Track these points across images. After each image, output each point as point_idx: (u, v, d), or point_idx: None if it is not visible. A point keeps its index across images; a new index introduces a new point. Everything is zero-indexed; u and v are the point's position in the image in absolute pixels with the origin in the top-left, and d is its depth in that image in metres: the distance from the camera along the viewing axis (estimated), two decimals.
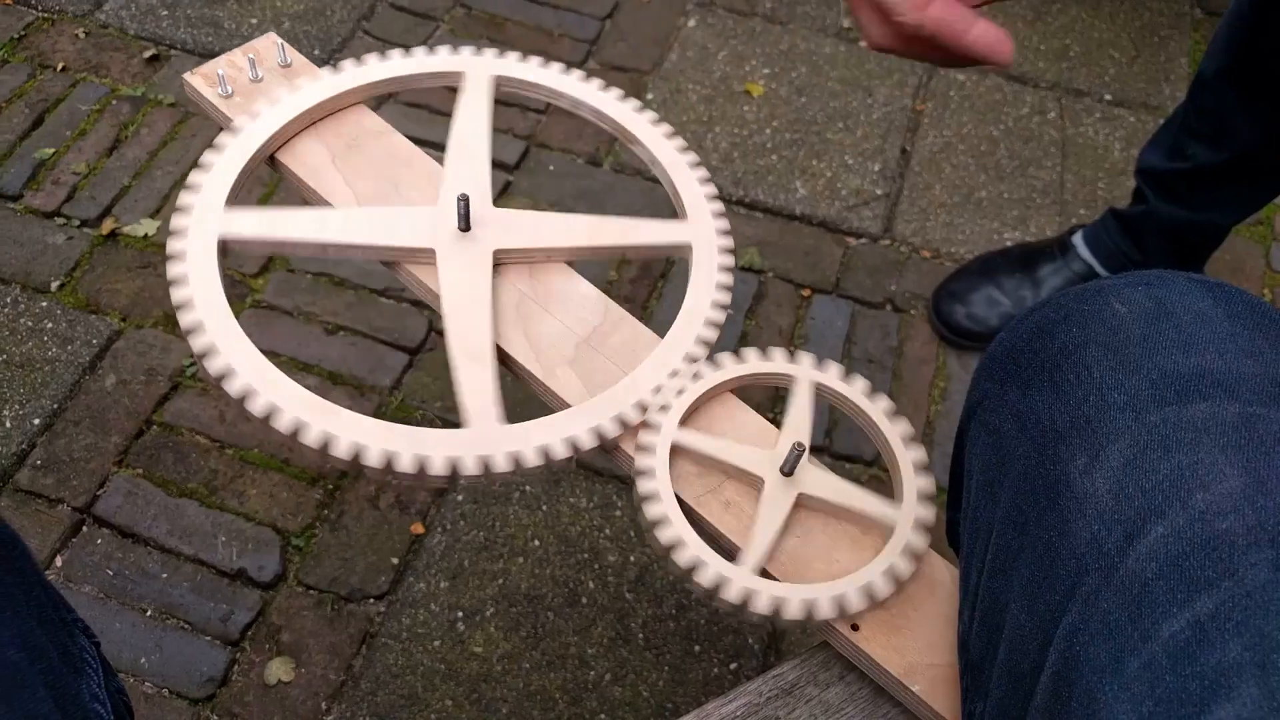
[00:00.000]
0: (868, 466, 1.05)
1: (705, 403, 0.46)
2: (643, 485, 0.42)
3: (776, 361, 0.47)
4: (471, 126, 0.54)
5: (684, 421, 0.45)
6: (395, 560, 1.01)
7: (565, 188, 1.32)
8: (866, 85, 1.48)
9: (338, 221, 0.50)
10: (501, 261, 0.50)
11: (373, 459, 0.41)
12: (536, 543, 1.03)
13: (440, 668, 0.95)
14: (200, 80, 0.56)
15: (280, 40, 0.58)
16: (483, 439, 0.42)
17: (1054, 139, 1.44)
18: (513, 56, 0.59)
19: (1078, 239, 1.19)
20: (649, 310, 1.21)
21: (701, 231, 0.52)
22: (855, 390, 0.48)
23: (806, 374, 0.48)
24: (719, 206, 0.54)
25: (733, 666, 0.97)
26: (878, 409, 0.47)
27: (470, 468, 0.41)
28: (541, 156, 1.33)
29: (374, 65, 0.56)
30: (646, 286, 1.24)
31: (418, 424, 1.12)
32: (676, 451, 0.45)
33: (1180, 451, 0.33)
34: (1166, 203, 1.07)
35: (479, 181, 0.51)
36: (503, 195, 1.29)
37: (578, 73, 0.59)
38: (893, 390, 1.16)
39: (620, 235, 0.51)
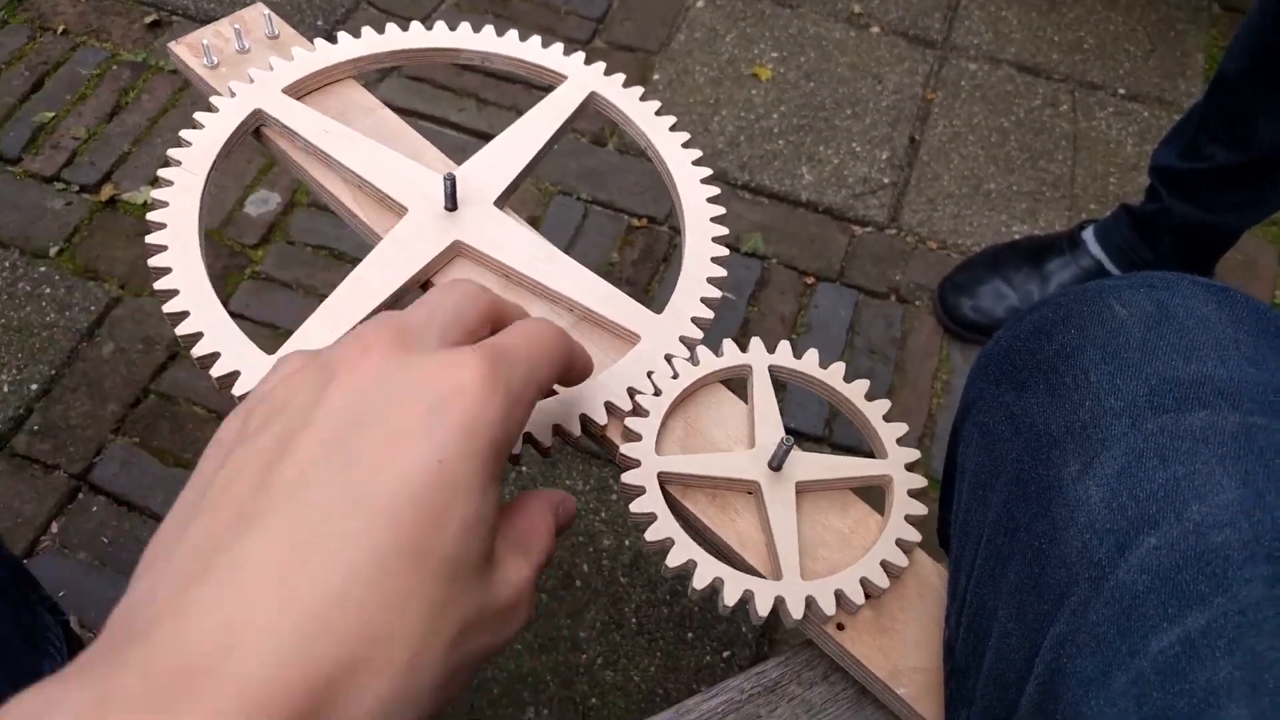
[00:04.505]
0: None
1: (690, 395, 0.46)
2: (651, 534, 0.41)
3: (729, 354, 0.46)
4: (539, 124, 0.53)
5: (668, 415, 0.44)
6: None
7: (568, 167, 1.30)
8: (876, 72, 1.47)
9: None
10: (461, 253, 0.49)
11: None
12: None
13: None
14: (185, 50, 0.55)
15: (268, 11, 0.56)
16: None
17: (1066, 132, 1.42)
18: (616, 78, 0.58)
19: (1088, 234, 1.17)
20: (650, 293, 1.20)
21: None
22: (809, 365, 0.47)
23: (760, 360, 0.47)
24: (716, 200, 0.53)
25: (725, 655, 0.97)
26: (833, 375, 0.47)
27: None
28: None
29: (367, 39, 0.55)
30: (649, 269, 1.23)
31: None
32: (664, 444, 0.44)
33: (1177, 461, 0.32)
34: (1181, 202, 1.05)
35: (501, 175, 0.51)
36: None
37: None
38: (895, 382, 1.16)
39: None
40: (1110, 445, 0.34)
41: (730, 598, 0.40)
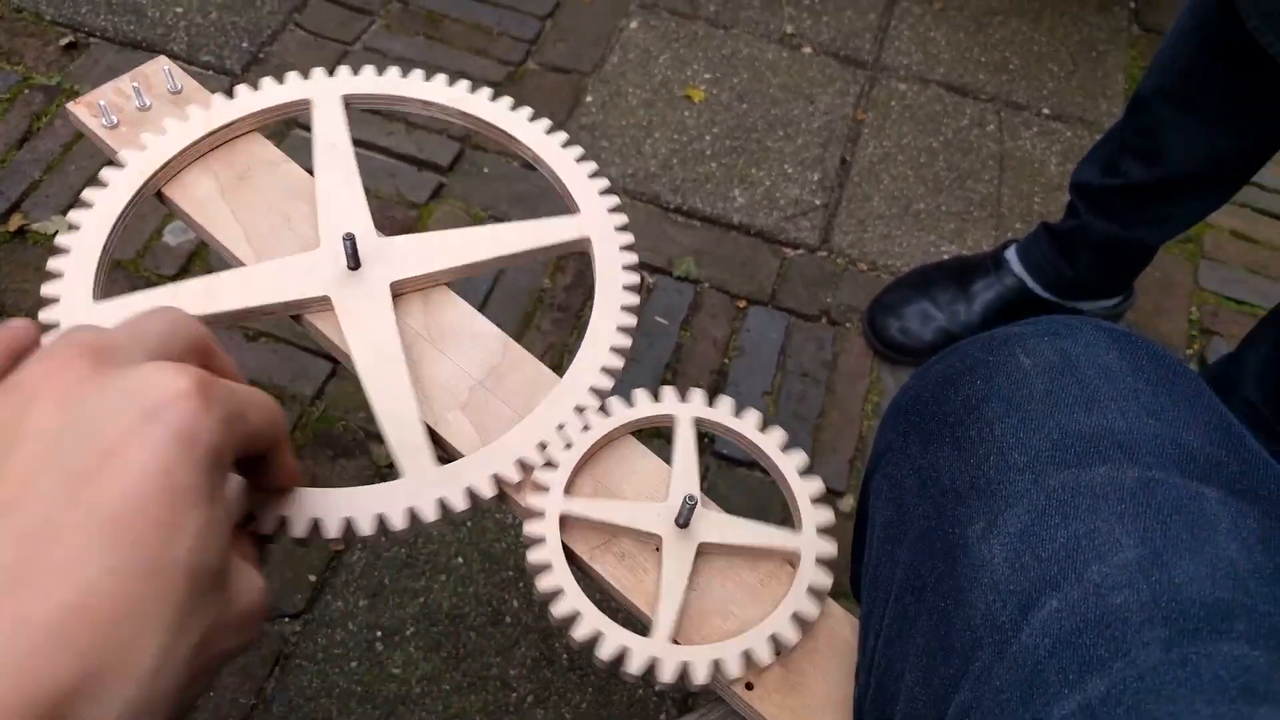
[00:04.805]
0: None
1: (599, 450, 0.44)
2: (533, 555, 0.40)
3: (653, 404, 0.45)
4: (333, 157, 0.51)
5: (577, 470, 0.43)
6: (313, 577, 0.97)
7: (500, 191, 1.29)
8: (808, 93, 1.47)
9: (225, 287, 0.46)
10: (401, 292, 0.47)
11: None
12: (460, 560, 1.01)
13: (357, 690, 0.92)
14: (84, 110, 0.53)
15: (168, 65, 0.54)
16: (373, 495, 0.40)
17: (992, 152, 1.44)
18: (367, 72, 0.55)
19: (1010, 253, 1.19)
20: (583, 318, 1.19)
21: (597, 223, 0.50)
22: (748, 425, 0.46)
23: (687, 412, 0.46)
24: (614, 200, 0.52)
25: (656, 689, 0.96)
26: (770, 442, 0.46)
27: (365, 528, 0.39)
28: (476, 159, 1.30)
29: (242, 99, 0.53)
30: (581, 295, 1.21)
31: (339, 435, 1.07)
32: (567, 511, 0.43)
33: (1078, 519, 0.32)
34: (1098, 218, 1.07)
35: (357, 213, 0.49)
36: (435, 198, 1.26)
37: (441, 78, 0.56)
38: (825, 404, 1.16)
39: (517, 240, 0.49)
40: (1014, 502, 0.33)
41: (606, 652, 0.39)
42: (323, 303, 0.46)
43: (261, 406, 0.32)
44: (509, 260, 0.49)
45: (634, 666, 0.38)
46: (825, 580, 0.42)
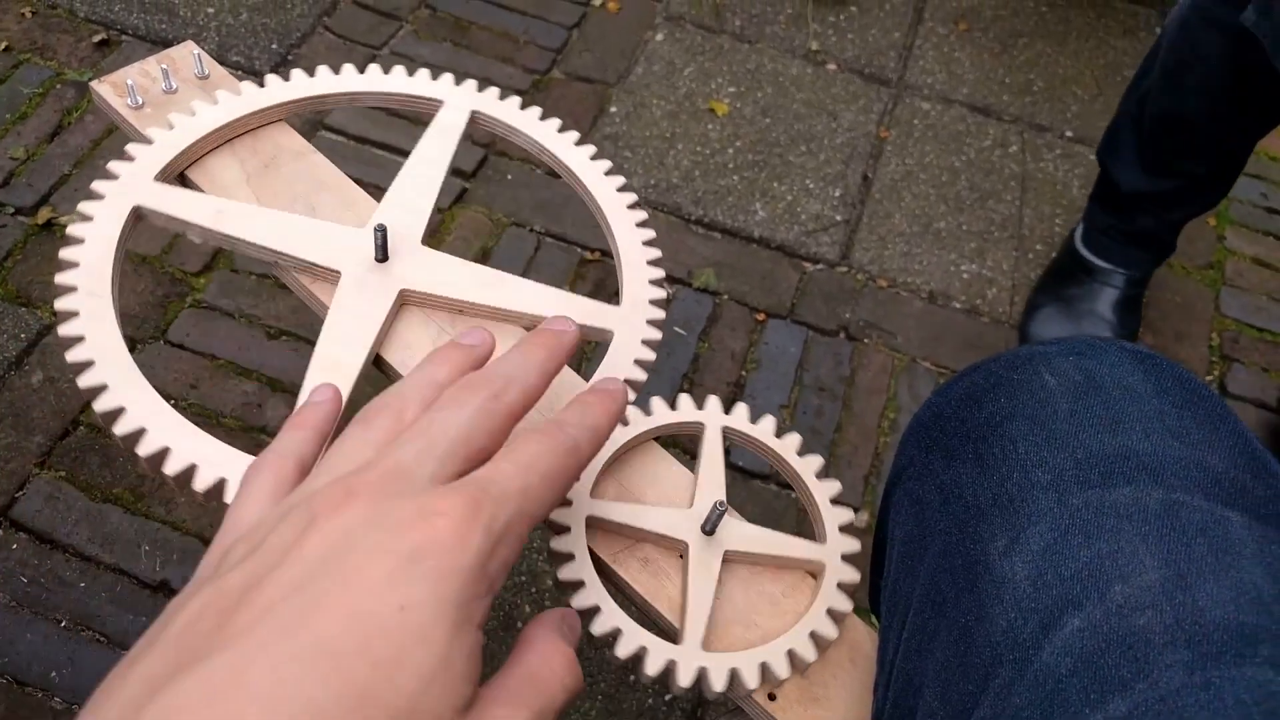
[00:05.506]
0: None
1: (624, 454, 0.45)
2: (564, 572, 0.40)
3: (683, 411, 0.46)
4: (433, 153, 0.52)
5: (602, 474, 0.43)
6: None
7: (522, 198, 1.30)
8: (831, 109, 1.48)
9: (259, 221, 0.48)
10: (409, 302, 0.48)
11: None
12: None
13: None
14: (109, 89, 0.53)
15: (197, 50, 0.55)
16: None
17: (1014, 173, 1.44)
18: (492, 92, 0.56)
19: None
20: None
21: (628, 316, 0.49)
22: (764, 432, 0.46)
23: (714, 420, 0.46)
24: (656, 272, 0.51)
25: (667, 698, 0.96)
26: (787, 447, 0.46)
27: None
28: (500, 165, 1.30)
29: (304, 80, 0.53)
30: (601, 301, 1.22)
31: None
32: (593, 514, 0.43)
33: (1101, 539, 0.32)
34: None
35: (417, 215, 0.49)
36: (458, 203, 1.27)
37: (554, 121, 0.56)
38: (842, 419, 1.16)
39: (549, 306, 0.48)
40: (1036, 520, 0.33)
41: (652, 667, 0.39)
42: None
43: (547, 474, 0.30)
44: (530, 320, 0.48)
45: (652, 669, 0.39)
46: (847, 600, 0.42)
